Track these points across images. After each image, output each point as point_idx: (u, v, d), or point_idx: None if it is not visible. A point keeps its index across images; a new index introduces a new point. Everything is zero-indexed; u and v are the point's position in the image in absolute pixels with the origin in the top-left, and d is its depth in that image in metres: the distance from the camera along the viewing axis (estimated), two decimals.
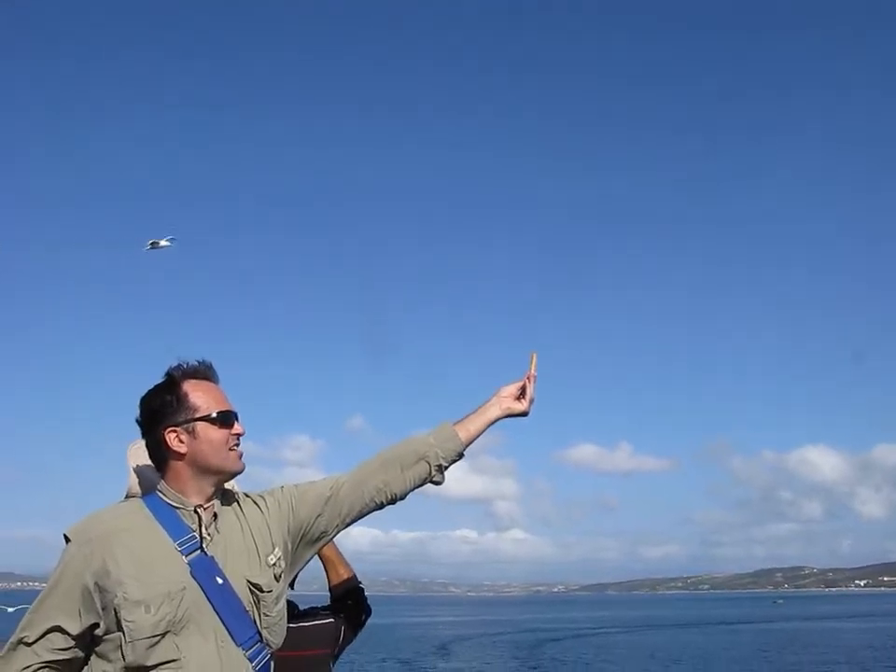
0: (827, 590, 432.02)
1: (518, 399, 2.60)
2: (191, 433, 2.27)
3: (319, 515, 2.39)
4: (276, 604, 2.30)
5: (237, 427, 2.32)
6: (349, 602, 2.99)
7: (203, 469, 2.28)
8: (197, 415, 2.27)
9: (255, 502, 2.38)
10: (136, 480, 2.42)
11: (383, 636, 55.10)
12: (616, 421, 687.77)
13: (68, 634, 2.13)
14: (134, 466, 2.43)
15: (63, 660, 2.16)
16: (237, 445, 2.32)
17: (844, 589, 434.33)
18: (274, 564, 2.31)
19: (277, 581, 2.31)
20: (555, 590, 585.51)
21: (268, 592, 2.27)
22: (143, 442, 2.34)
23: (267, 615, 2.26)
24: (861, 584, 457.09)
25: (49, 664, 2.15)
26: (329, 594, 3.06)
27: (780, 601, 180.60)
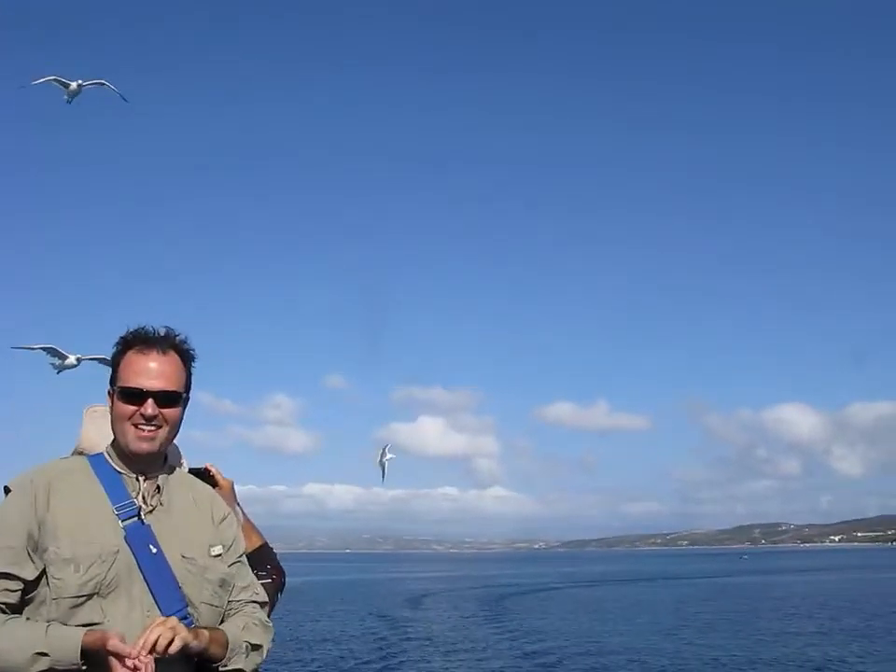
0: (802, 545, 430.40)
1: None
2: (113, 401, 2.26)
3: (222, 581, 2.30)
4: (212, 584, 2.25)
5: (144, 407, 2.21)
6: (268, 566, 2.99)
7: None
8: (116, 385, 2.24)
9: (213, 501, 2.37)
10: (88, 438, 2.44)
11: (361, 590, 59.64)
12: (593, 379, 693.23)
13: (17, 578, 2.08)
14: (85, 429, 2.46)
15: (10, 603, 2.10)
16: (145, 426, 2.22)
17: (818, 545, 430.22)
18: (218, 555, 2.28)
19: (218, 563, 2.27)
20: (536, 546, 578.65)
21: (203, 568, 2.22)
22: (99, 407, 2.37)
23: (200, 591, 2.21)
24: (836, 540, 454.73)
25: None
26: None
27: (746, 557, 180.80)
